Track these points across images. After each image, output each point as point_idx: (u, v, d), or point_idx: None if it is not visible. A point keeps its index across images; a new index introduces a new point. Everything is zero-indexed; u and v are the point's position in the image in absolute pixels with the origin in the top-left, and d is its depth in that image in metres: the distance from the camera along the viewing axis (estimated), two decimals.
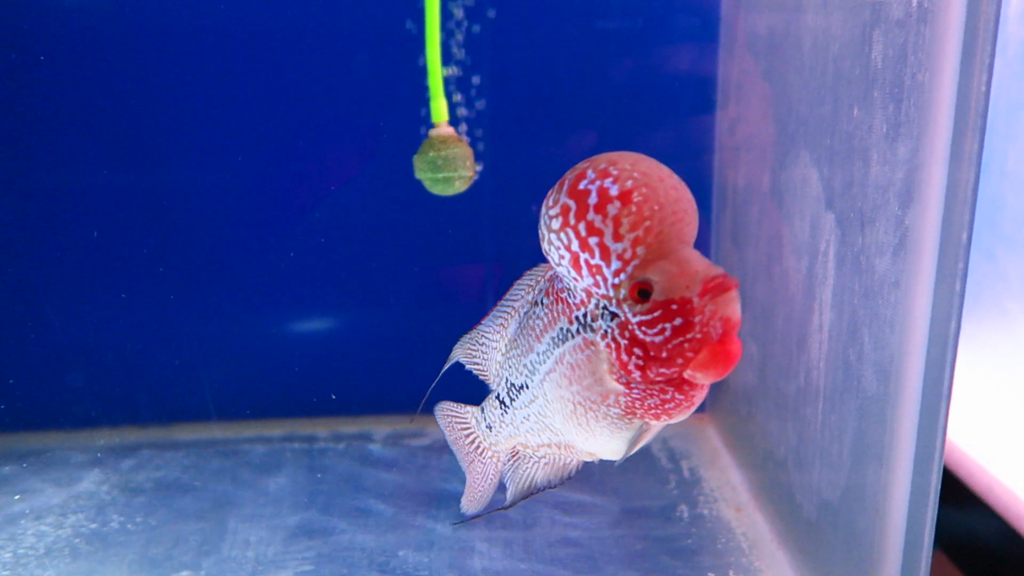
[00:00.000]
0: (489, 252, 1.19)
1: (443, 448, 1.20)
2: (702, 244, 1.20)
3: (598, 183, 0.47)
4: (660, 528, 0.94)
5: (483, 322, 0.62)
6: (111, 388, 1.18)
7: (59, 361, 1.15)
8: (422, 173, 0.96)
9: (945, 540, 0.68)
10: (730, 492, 1.02)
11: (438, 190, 0.96)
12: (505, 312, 0.60)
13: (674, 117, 1.15)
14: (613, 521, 0.96)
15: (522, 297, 0.58)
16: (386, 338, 1.24)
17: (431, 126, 0.96)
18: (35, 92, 1.05)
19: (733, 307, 0.45)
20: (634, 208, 0.46)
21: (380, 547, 0.90)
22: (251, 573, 0.85)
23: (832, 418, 0.72)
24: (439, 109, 0.96)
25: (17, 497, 1.02)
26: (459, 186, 0.96)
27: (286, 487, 1.06)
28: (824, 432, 0.74)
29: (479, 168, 1.00)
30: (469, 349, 0.64)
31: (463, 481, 0.70)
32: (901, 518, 0.57)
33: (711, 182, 1.17)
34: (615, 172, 0.47)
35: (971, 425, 1.09)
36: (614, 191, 0.46)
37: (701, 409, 1.30)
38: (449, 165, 0.95)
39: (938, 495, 0.56)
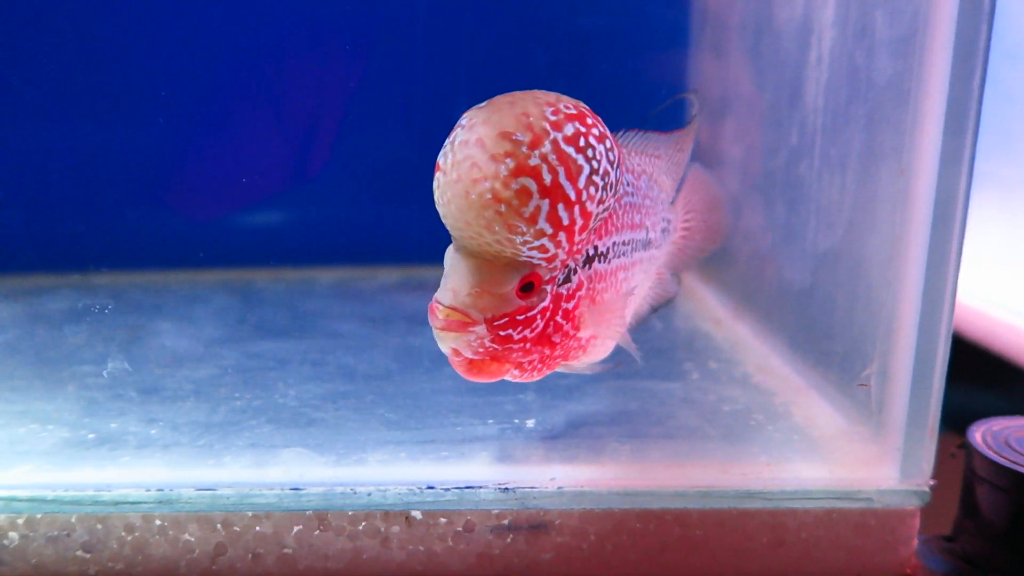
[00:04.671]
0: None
1: (391, 288, 1.11)
2: (679, 65, 1.12)
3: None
4: (632, 334, 0.84)
5: None
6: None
7: None
8: None
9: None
10: (706, 312, 0.93)
11: None
12: None
13: None
14: None
15: None
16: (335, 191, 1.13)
17: None
18: None
19: (440, 342, 0.46)
20: (434, 182, 0.44)
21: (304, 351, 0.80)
22: (165, 366, 0.74)
23: (832, 151, 0.63)
24: None
25: None
26: None
27: (216, 311, 0.94)
28: (823, 174, 0.65)
29: None
30: None
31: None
32: (929, 186, 0.47)
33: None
34: (451, 135, 0.43)
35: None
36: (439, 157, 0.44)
37: None
38: None
39: (973, 164, 0.47)
